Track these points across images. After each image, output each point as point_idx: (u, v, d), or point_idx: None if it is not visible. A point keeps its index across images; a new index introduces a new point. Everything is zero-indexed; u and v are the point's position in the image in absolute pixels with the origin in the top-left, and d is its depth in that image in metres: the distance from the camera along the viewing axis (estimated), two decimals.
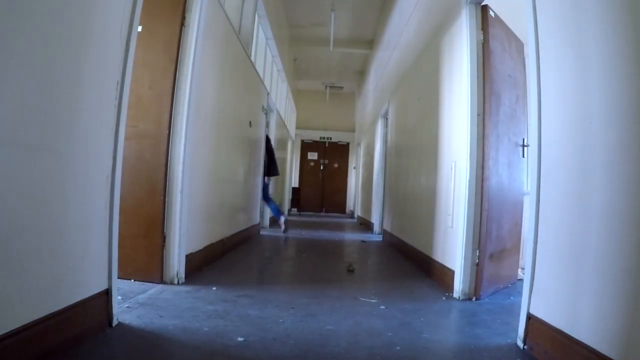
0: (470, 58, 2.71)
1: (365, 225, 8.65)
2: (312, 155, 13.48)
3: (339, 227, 8.61)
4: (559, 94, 1.72)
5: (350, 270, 3.62)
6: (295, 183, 13.11)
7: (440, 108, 3.40)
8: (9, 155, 1.21)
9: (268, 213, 7.22)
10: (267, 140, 6.23)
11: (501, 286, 2.94)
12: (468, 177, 2.68)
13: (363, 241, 4.71)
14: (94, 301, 1.67)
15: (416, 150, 4.37)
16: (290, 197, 12.15)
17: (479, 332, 2.03)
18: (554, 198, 1.72)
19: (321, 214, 13.03)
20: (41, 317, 1.36)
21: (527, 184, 2.96)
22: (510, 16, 2.98)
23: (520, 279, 3.12)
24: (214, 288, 2.60)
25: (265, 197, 6.33)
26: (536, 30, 1.84)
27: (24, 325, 1.28)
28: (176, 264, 2.62)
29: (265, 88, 6.11)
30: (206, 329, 1.87)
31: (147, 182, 2.61)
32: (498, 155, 2.76)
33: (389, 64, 6.39)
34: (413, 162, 4.49)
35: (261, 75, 5.86)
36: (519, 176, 3.12)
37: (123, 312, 1.95)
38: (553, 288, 1.68)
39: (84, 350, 1.52)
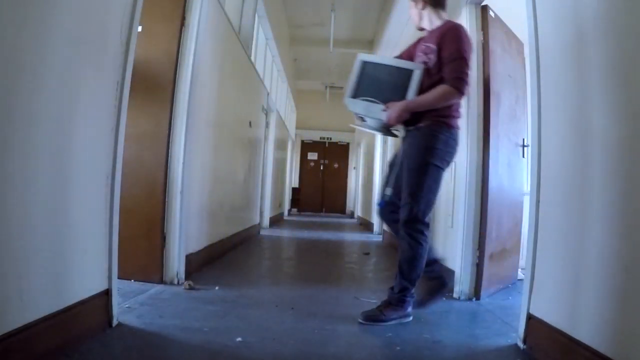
0: None
1: (365, 225, 8.65)
2: (312, 156, 13.47)
3: (339, 228, 8.61)
4: (559, 94, 1.72)
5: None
6: (295, 183, 13.11)
7: None
8: (7, 155, 1.21)
9: (268, 213, 7.20)
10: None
11: (501, 286, 2.94)
12: (468, 177, 2.68)
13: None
14: (94, 301, 1.67)
15: None
16: (290, 197, 12.16)
17: (479, 332, 2.03)
18: (554, 198, 1.71)
19: (321, 214, 13.03)
20: (41, 317, 1.36)
21: (527, 184, 2.96)
22: (510, 16, 2.97)
23: (520, 279, 3.12)
24: (216, 288, 2.60)
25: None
26: (536, 30, 1.84)
27: (24, 325, 1.27)
28: (176, 264, 2.61)
29: (265, 88, 6.11)
30: (206, 329, 1.87)
31: (147, 183, 2.61)
32: (498, 155, 2.76)
33: None
34: None
35: (261, 75, 5.86)
36: (519, 176, 3.12)
37: (123, 312, 1.95)
38: (553, 288, 1.68)
39: (84, 350, 1.51)
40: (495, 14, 2.84)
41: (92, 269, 1.69)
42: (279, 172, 8.66)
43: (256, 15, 5.60)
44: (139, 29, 1.92)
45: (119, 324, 1.81)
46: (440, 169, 2.10)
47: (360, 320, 2.06)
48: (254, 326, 1.96)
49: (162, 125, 2.60)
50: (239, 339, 1.76)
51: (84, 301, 1.60)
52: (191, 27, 2.68)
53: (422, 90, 2.08)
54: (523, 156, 3.10)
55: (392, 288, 2.16)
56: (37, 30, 1.28)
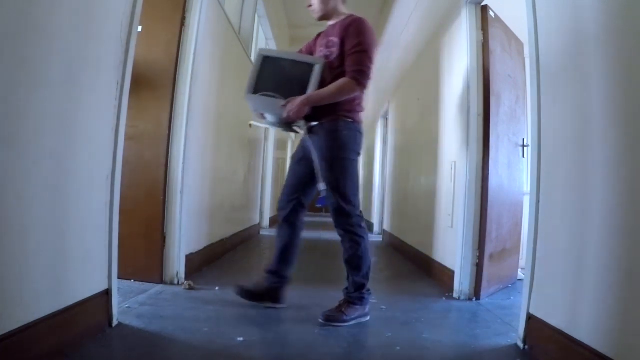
0: (470, 58, 2.71)
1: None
2: None
3: None
4: (559, 94, 1.72)
5: None
6: None
7: (440, 108, 3.40)
8: (7, 155, 1.21)
9: (267, 213, 7.20)
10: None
11: (501, 286, 2.94)
12: (468, 177, 2.68)
13: None
14: (93, 301, 1.67)
15: (416, 151, 4.37)
16: None
17: (479, 332, 2.03)
18: (554, 198, 1.71)
19: (321, 213, 13.01)
20: (41, 317, 1.36)
21: (527, 184, 2.96)
22: (510, 16, 2.98)
23: (520, 279, 3.12)
24: (216, 288, 2.60)
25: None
26: (536, 30, 1.84)
27: (23, 326, 1.27)
28: (176, 264, 2.62)
29: None
30: (206, 329, 1.87)
31: (147, 182, 2.61)
32: (498, 155, 2.76)
33: (389, 64, 6.39)
34: (413, 163, 4.49)
35: None
36: (519, 176, 3.12)
37: (123, 312, 1.95)
38: (553, 288, 1.68)
39: (84, 351, 1.51)
40: (495, 14, 2.84)
41: (92, 269, 1.69)
42: (279, 172, 8.66)
43: (256, 15, 5.60)
44: (139, 29, 1.92)
45: (119, 324, 1.81)
46: (354, 161, 2.14)
47: (321, 321, 2.02)
48: (254, 326, 1.96)
49: (162, 125, 2.60)
50: (239, 338, 1.76)
51: (84, 301, 1.60)
52: (191, 27, 2.68)
53: (324, 84, 2.06)
54: (523, 156, 3.10)
55: (346, 289, 2.15)
56: (37, 31, 1.28)
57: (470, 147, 2.67)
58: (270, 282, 2.27)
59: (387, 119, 6.49)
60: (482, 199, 2.67)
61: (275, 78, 2.11)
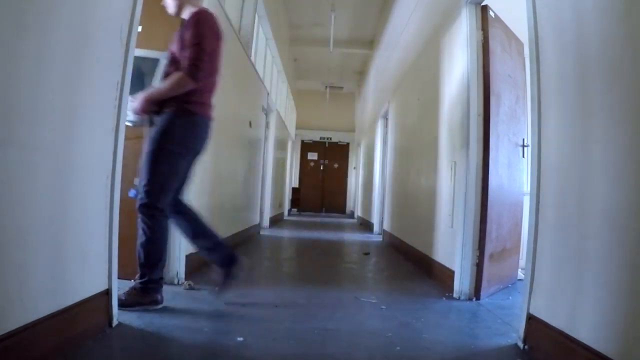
0: (470, 58, 2.71)
1: (365, 225, 8.65)
2: (312, 156, 13.48)
3: (339, 228, 8.61)
4: (559, 93, 1.72)
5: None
6: (295, 183, 13.11)
7: (440, 108, 3.40)
8: (7, 155, 1.21)
9: (268, 213, 7.21)
10: None
11: (501, 286, 2.94)
12: (468, 177, 2.68)
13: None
14: (94, 301, 1.66)
15: (416, 151, 4.37)
16: (290, 198, 12.16)
17: (479, 332, 2.03)
18: (554, 198, 1.72)
19: (321, 214, 13.03)
20: (41, 317, 1.36)
21: (527, 184, 2.96)
22: (510, 16, 2.98)
23: (520, 279, 3.12)
24: (216, 288, 2.60)
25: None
26: (536, 30, 1.84)
27: (23, 326, 1.27)
28: (176, 264, 2.62)
29: (265, 88, 6.11)
30: (206, 329, 1.87)
31: None
32: (498, 155, 2.76)
33: (389, 64, 6.39)
34: (413, 162, 4.49)
35: (261, 75, 5.86)
36: (519, 176, 3.12)
37: (123, 312, 1.95)
38: (553, 288, 1.68)
39: (84, 351, 1.51)
40: (495, 14, 2.84)
41: (92, 269, 1.69)
42: (279, 172, 8.66)
43: (256, 15, 5.60)
44: (139, 29, 1.92)
45: (119, 324, 1.81)
46: (177, 155, 2.11)
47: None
48: (254, 326, 1.96)
49: None
50: (239, 338, 1.76)
51: (84, 301, 1.60)
52: None
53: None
54: (523, 156, 3.10)
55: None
56: (37, 31, 1.28)
57: (470, 147, 2.67)
58: (218, 260, 2.29)
59: (387, 119, 6.49)
60: (482, 199, 2.67)
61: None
